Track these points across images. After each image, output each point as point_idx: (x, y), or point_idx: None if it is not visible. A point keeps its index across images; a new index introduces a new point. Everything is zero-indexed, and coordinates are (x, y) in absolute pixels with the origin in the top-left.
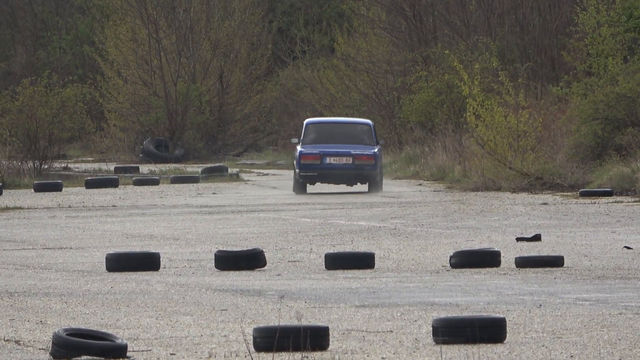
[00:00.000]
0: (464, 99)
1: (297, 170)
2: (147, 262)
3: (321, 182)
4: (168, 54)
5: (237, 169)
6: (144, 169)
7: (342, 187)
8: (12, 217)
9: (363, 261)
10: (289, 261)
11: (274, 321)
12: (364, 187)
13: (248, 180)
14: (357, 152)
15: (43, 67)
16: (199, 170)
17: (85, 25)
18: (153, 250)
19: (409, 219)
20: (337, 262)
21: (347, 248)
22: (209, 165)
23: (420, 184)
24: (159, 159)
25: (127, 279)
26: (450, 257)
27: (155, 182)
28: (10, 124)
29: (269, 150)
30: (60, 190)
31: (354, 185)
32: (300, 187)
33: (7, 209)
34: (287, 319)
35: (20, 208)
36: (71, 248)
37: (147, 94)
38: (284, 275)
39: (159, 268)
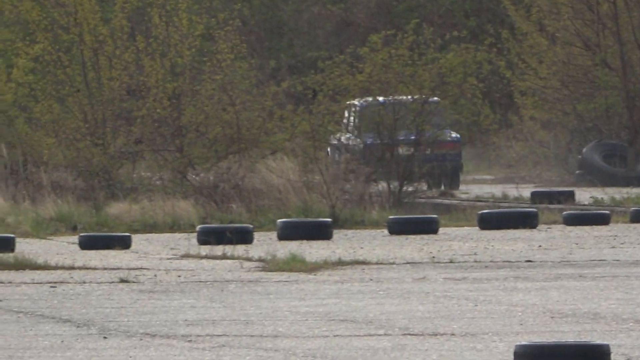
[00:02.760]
0: None
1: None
2: None
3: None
4: None
5: None
6: (584, 195)
7: None
8: (348, 279)
9: None
10: None
11: None
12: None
13: None
14: (436, 139)
15: (405, 13)
16: None
17: None
18: (597, 341)
19: None
20: None
21: None
22: None
23: None
24: (609, 178)
25: None
26: None
27: (602, 220)
28: (347, 109)
29: None
30: (435, 231)
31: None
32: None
33: (340, 263)
34: None
35: (362, 263)
36: (453, 334)
37: (589, 63)
38: None
39: None
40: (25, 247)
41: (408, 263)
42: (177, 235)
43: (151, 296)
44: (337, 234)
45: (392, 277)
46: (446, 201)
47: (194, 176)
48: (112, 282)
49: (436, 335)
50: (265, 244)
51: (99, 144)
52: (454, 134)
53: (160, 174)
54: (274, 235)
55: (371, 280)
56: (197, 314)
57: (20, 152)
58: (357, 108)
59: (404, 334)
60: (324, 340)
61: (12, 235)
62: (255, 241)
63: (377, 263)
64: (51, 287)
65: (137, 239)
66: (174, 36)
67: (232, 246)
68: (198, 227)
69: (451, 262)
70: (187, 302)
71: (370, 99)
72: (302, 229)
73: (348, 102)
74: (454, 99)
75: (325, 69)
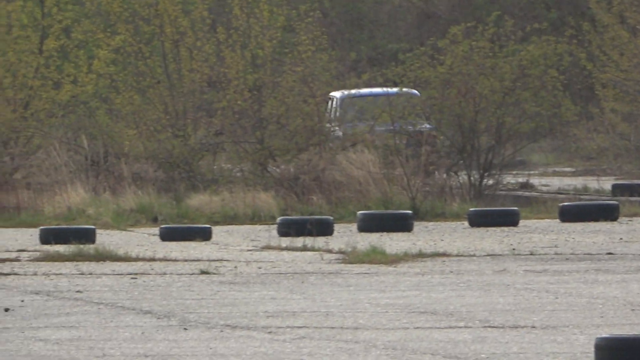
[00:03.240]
0: None
1: None
2: None
3: None
4: None
5: None
6: None
7: None
8: (429, 271)
9: None
10: None
11: None
12: None
13: None
14: (418, 130)
15: (486, 5)
16: None
17: None
18: None
19: None
20: None
21: None
22: None
23: None
24: None
25: None
26: None
27: None
28: (427, 102)
29: None
30: (516, 223)
31: None
32: None
33: (420, 255)
34: None
35: (443, 255)
36: (534, 327)
37: None
38: None
39: None
40: (106, 238)
41: (488, 255)
42: (258, 227)
43: (232, 288)
44: (417, 226)
45: (472, 269)
46: (527, 193)
47: (274, 168)
48: (193, 273)
49: (517, 327)
50: (346, 235)
51: (179, 136)
52: (427, 125)
53: (241, 166)
54: (354, 227)
55: (451, 272)
56: (278, 306)
57: (101, 144)
58: (338, 100)
59: (485, 327)
60: (404, 332)
61: (92, 227)
62: (335, 233)
63: (457, 255)
64: (132, 278)
65: (217, 231)
66: (255, 28)
67: (312, 238)
68: (278, 219)
69: (532, 254)
70: (267, 294)
71: (352, 91)
72: (383, 221)
73: (330, 95)
74: (534, 90)
75: (406, 60)
